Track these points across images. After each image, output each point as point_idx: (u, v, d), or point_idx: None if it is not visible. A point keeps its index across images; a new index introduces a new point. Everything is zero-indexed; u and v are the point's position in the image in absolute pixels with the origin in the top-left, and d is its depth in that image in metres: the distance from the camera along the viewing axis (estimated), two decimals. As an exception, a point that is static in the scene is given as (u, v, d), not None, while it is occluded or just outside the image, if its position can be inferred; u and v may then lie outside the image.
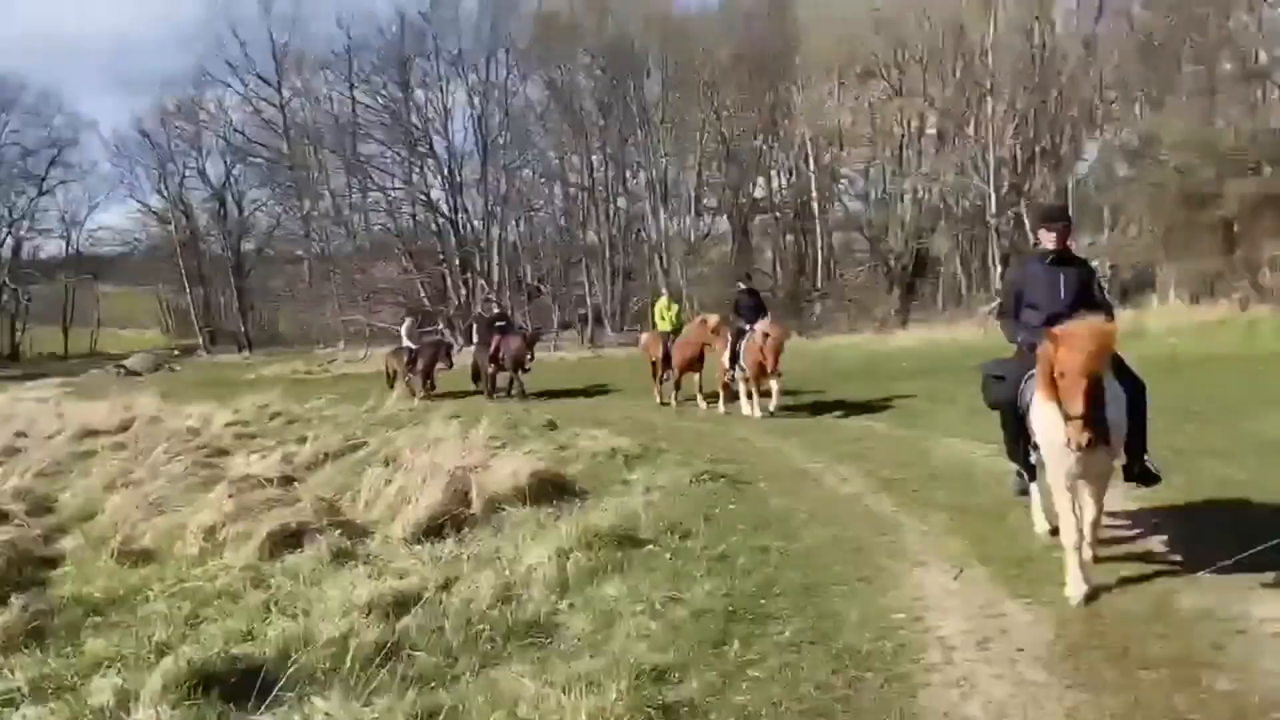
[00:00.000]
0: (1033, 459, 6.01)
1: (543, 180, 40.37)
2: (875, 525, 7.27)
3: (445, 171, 37.26)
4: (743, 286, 15.82)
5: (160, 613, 5.87)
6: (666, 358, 16.43)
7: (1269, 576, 5.23)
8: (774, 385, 14.04)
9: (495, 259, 37.53)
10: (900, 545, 6.69)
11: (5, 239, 51.36)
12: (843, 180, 40.22)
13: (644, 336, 17.92)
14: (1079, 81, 30.79)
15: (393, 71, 38.55)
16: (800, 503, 8.11)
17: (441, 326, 35.42)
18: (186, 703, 4.31)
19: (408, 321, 22.53)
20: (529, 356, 19.33)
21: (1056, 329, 5.12)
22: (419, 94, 37.71)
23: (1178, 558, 5.86)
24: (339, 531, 7.30)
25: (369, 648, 4.95)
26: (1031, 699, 4.23)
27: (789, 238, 41.03)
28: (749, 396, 14.28)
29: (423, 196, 38.36)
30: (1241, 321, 20.27)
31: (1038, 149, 31.49)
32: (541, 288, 39.76)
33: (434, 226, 38.65)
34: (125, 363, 42.40)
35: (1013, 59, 29.91)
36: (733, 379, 14.71)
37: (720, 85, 37.43)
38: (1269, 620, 4.75)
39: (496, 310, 22.62)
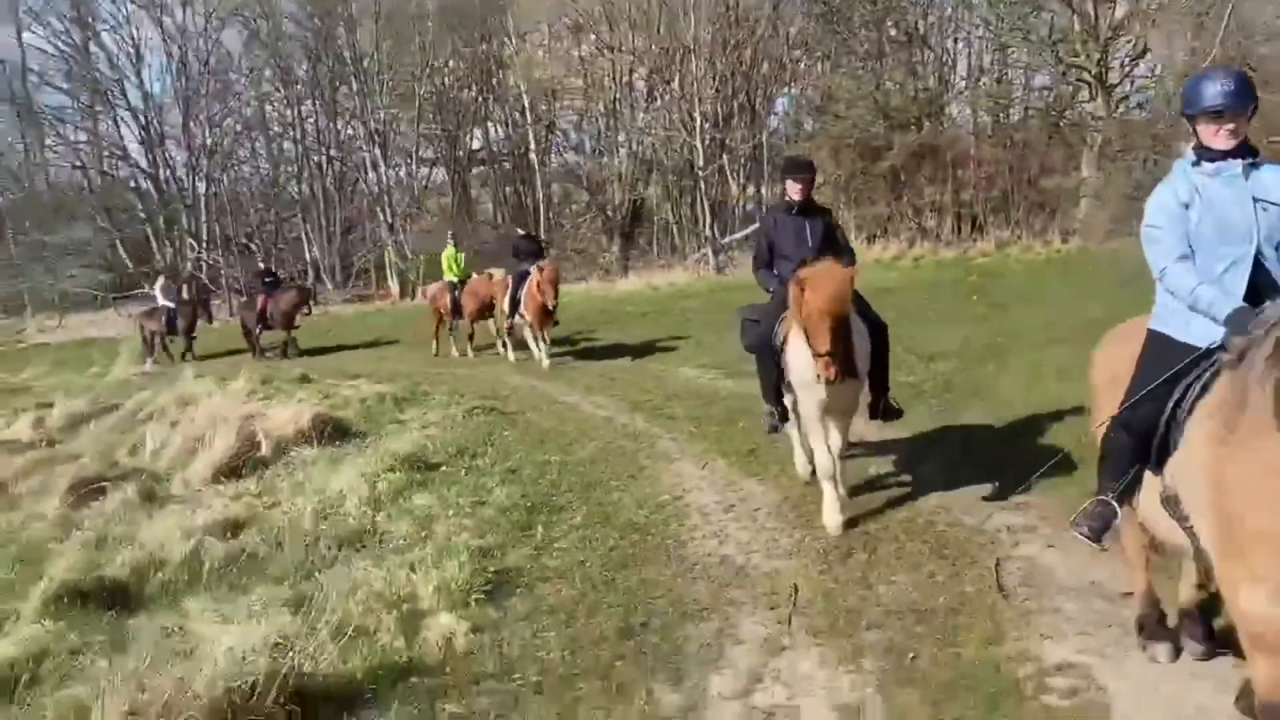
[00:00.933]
0: (786, 400, 6.20)
1: (250, 132, 38.60)
2: (633, 438, 8.58)
3: (143, 122, 34.71)
4: (521, 233, 16.11)
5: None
6: (456, 307, 16.54)
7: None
8: (543, 339, 13.90)
9: (203, 216, 35.62)
10: (656, 450, 8.04)
11: None
12: (558, 133, 41.50)
13: (432, 287, 17.92)
14: (769, 42, 33.65)
15: (68, 9, 35.22)
16: (566, 426, 9.30)
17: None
18: (69, 614, 4.83)
19: (161, 280, 21.57)
20: (305, 311, 19.01)
21: (802, 272, 5.48)
22: (106, 38, 34.78)
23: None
24: (142, 478, 7.63)
25: (219, 560, 5.62)
26: (769, 539, 5.67)
27: (508, 189, 41.89)
28: (536, 341, 14.17)
29: (118, 150, 35.57)
30: (907, 256, 23.61)
31: (736, 105, 34.15)
32: (252, 246, 38.07)
33: (133, 183, 35.97)
34: None
35: (711, 20, 32.15)
36: (511, 326, 14.85)
37: (432, 36, 37.35)
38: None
39: (263, 266, 22.08)
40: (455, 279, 16.69)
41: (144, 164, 35.16)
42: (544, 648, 4.41)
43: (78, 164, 36.43)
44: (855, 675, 3.96)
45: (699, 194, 32.74)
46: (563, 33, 38.41)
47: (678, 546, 5.65)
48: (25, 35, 35.79)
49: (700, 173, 31.26)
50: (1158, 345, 3.51)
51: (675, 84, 32.75)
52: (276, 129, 38.63)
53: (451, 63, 38.31)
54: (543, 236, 36.33)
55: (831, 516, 5.62)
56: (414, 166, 36.22)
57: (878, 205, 28.06)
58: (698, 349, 13.75)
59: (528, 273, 13.91)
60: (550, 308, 13.40)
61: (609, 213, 35.14)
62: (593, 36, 35.83)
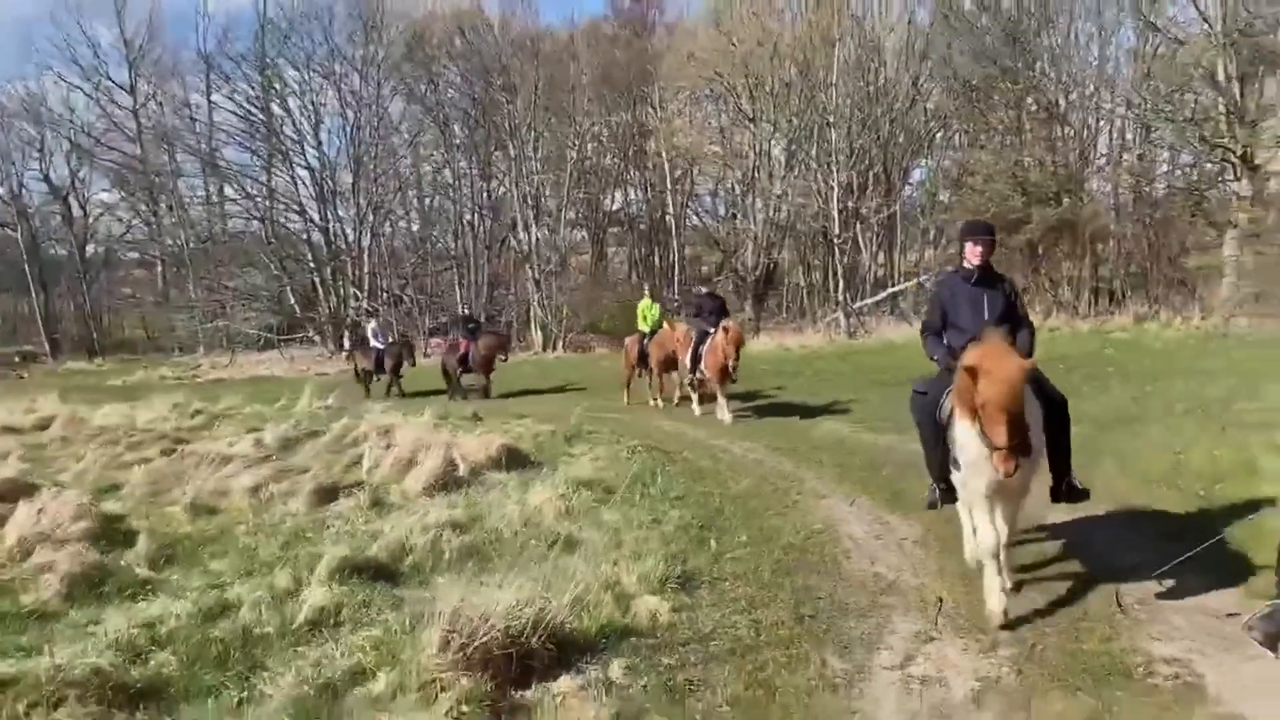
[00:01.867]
0: (953, 477, 5.83)
1: (409, 191, 41.53)
2: (783, 478, 9.58)
3: (317, 180, 37.94)
4: (704, 290, 16.28)
5: (258, 542, 7.53)
6: (643, 357, 16.90)
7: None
8: (722, 394, 14.10)
9: (365, 267, 38.44)
10: (805, 488, 9.03)
11: None
12: (696, 197, 43.12)
13: (628, 339, 18.01)
14: (907, 115, 34.57)
15: (254, 76, 38.79)
16: (720, 465, 10.36)
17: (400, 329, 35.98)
18: (349, 582, 6.12)
19: (373, 321, 23.02)
20: (502, 358, 19.94)
21: (972, 358, 5.12)
22: (291, 101, 38.27)
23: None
24: (366, 488, 9.04)
25: (455, 550, 6.87)
26: (916, 561, 6.59)
27: (642, 249, 43.70)
28: (714, 398, 14.43)
29: (294, 204, 38.81)
30: (1045, 329, 23.93)
31: (871, 174, 35.08)
32: (404, 297, 40.53)
33: (306, 235, 39.13)
34: (-35, 369, 40.79)
35: (851, 94, 33.29)
36: (694, 382, 15.18)
37: (583, 105, 39.60)
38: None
39: (467, 312, 23.36)
40: (647, 330, 16.98)
41: (316, 218, 38.27)
42: (732, 625, 5.45)
43: (255, 215, 39.80)
44: (992, 659, 4.88)
45: (832, 260, 33.66)
46: (705, 102, 40.24)
47: (834, 563, 6.63)
48: (214, 95, 39.71)
49: (835, 239, 32.16)
50: None
51: (813, 153, 33.92)
52: (431, 188, 41.49)
53: (596, 128, 40.53)
54: (675, 297, 37.90)
55: (995, 601, 5.34)
56: (561, 226, 38.18)
57: (1014, 277, 28.37)
58: (836, 405, 14.66)
59: (709, 331, 14.23)
60: (731, 368, 13.64)
61: (742, 275, 36.35)
62: (733, 107, 37.36)
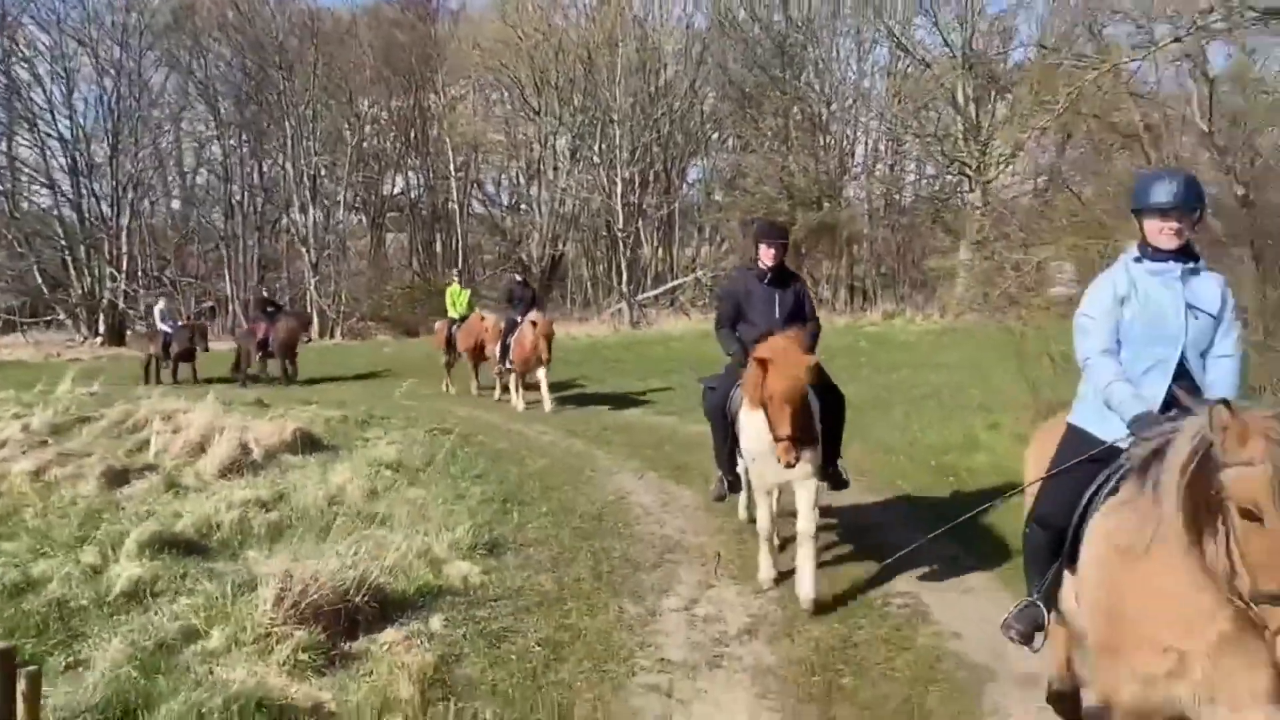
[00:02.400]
0: (739, 468, 6.36)
1: (173, 167, 39.32)
2: (576, 456, 10.26)
3: (70, 152, 35.10)
4: (519, 278, 15.63)
5: (49, 524, 7.39)
6: (450, 343, 16.65)
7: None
8: (542, 376, 13.79)
9: (124, 246, 36.02)
10: (598, 465, 9.74)
11: None
12: (479, 185, 43.15)
13: (438, 323, 17.78)
14: (685, 118, 36.15)
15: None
16: (517, 446, 10.90)
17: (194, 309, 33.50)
18: (160, 557, 6.23)
19: (161, 303, 21.22)
20: (305, 339, 19.24)
21: (762, 351, 5.47)
22: (40, 66, 35.19)
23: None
24: (159, 471, 8.96)
25: (263, 526, 7.07)
26: (697, 524, 7.41)
27: (423, 236, 43.31)
28: (516, 389, 14.31)
29: (42, 178, 35.79)
30: (806, 322, 25.90)
31: (652, 172, 36.46)
32: (163, 279, 38.23)
33: (56, 211, 36.17)
34: None
35: (633, 93, 34.42)
36: (501, 372, 14.89)
37: (364, 87, 38.82)
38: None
39: (265, 294, 21.85)
40: (457, 316, 16.70)
41: (68, 192, 35.48)
42: (537, 583, 6.04)
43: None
44: (760, 599, 5.72)
45: (615, 253, 34.75)
46: (489, 90, 40.36)
47: (626, 528, 7.35)
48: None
49: (618, 233, 33.24)
50: (1073, 439, 3.61)
51: (596, 148, 34.86)
52: (198, 165, 39.42)
53: (377, 110, 39.80)
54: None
55: (766, 572, 5.94)
56: (341, 210, 37.32)
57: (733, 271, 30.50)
58: (622, 391, 15.50)
59: (518, 320, 13.95)
60: (543, 359, 13.45)
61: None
62: (518, 98, 37.71)
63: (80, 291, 35.88)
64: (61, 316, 36.65)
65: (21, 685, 2.65)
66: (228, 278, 37.29)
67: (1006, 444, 9.44)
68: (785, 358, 5.34)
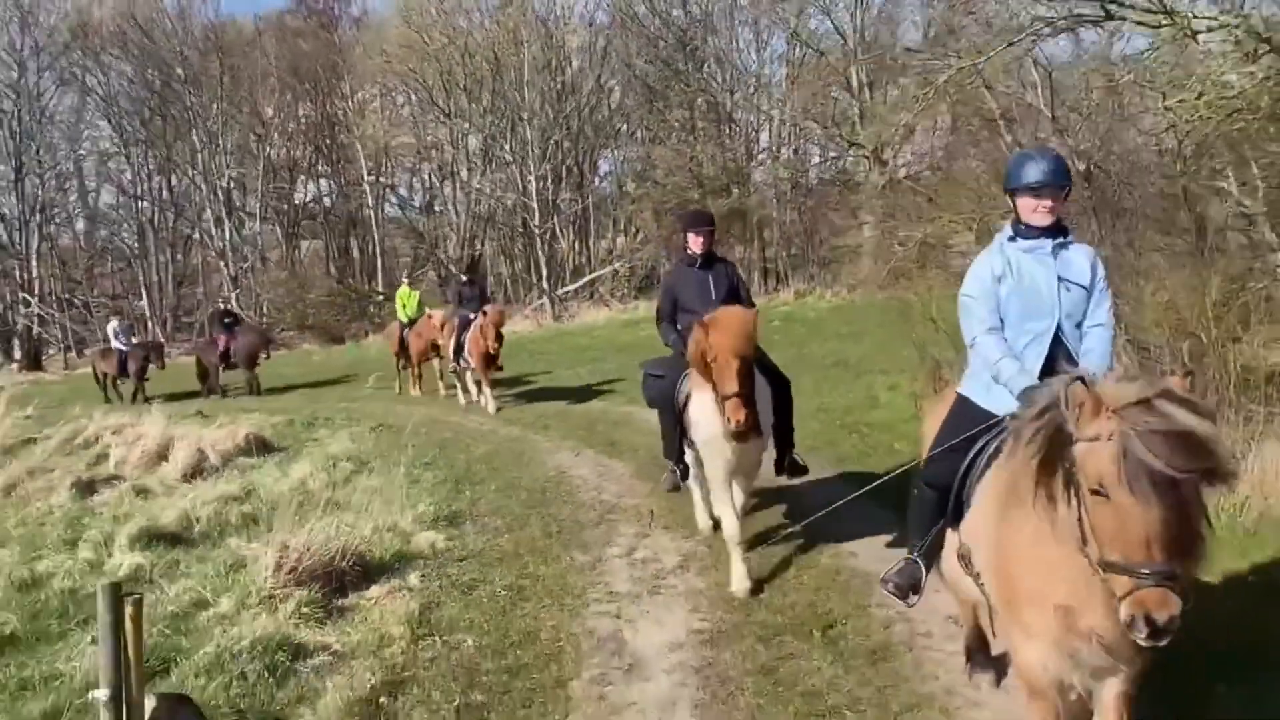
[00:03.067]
0: (688, 457, 6.36)
1: (82, 186, 38.82)
2: (516, 441, 11.10)
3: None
4: (465, 278, 15.61)
5: (33, 531, 7.99)
6: (404, 346, 16.72)
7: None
8: (486, 383, 13.86)
9: (34, 270, 35.56)
10: (538, 447, 10.60)
11: None
12: (392, 189, 43.37)
13: (391, 326, 17.82)
14: (593, 113, 36.96)
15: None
16: (459, 436, 11.69)
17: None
18: (150, 548, 6.93)
19: (114, 321, 21.10)
20: (264, 355, 19.40)
21: (706, 317, 5.54)
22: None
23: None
24: (125, 480, 9.55)
25: (238, 517, 7.78)
26: (632, 489, 8.33)
27: (338, 243, 43.39)
28: (477, 385, 14.32)
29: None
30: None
31: (565, 168, 37.21)
32: (75, 301, 37.63)
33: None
34: None
35: (541, 91, 35.09)
36: (458, 370, 14.84)
37: (269, 97, 38.81)
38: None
39: (223, 308, 22.21)
40: (407, 319, 16.73)
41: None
42: (496, 545, 6.90)
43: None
44: (690, 543, 6.66)
45: (533, 249, 35.43)
46: (397, 94, 40.63)
47: (569, 496, 8.24)
48: None
49: (535, 230, 33.94)
50: (961, 408, 3.83)
51: (508, 147, 35.46)
52: (99, 183, 38.97)
53: (283, 119, 39.78)
54: (380, 289, 38.20)
55: (739, 582, 5.59)
56: (258, 222, 37.30)
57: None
58: (550, 381, 16.37)
59: (471, 318, 13.95)
60: (493, 353, 13.51)
61: (447, 265, 37.29)
62: (426, 100, 38.05)
63: (-6, 318, 35.38)
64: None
65: (129, 609, 3.42)
66: (144, 295, 37.00)
67: (901, 401, 10.63)
68: (728, 315, 5.46)
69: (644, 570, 6.19)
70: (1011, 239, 3.70)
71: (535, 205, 33.61)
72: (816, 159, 34.90)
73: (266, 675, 4.58)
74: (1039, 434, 2.81)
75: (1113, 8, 6.82)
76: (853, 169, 30.57)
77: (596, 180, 39.87)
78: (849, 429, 10.10)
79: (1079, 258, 3.67)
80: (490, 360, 13.60)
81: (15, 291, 34.99)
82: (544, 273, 33.59)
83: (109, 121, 37.90)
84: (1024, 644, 3.00)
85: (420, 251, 40.95)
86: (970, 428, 3.63)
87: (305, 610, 5.35)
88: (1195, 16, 6.53)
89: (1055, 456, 2.75)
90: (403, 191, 44.02)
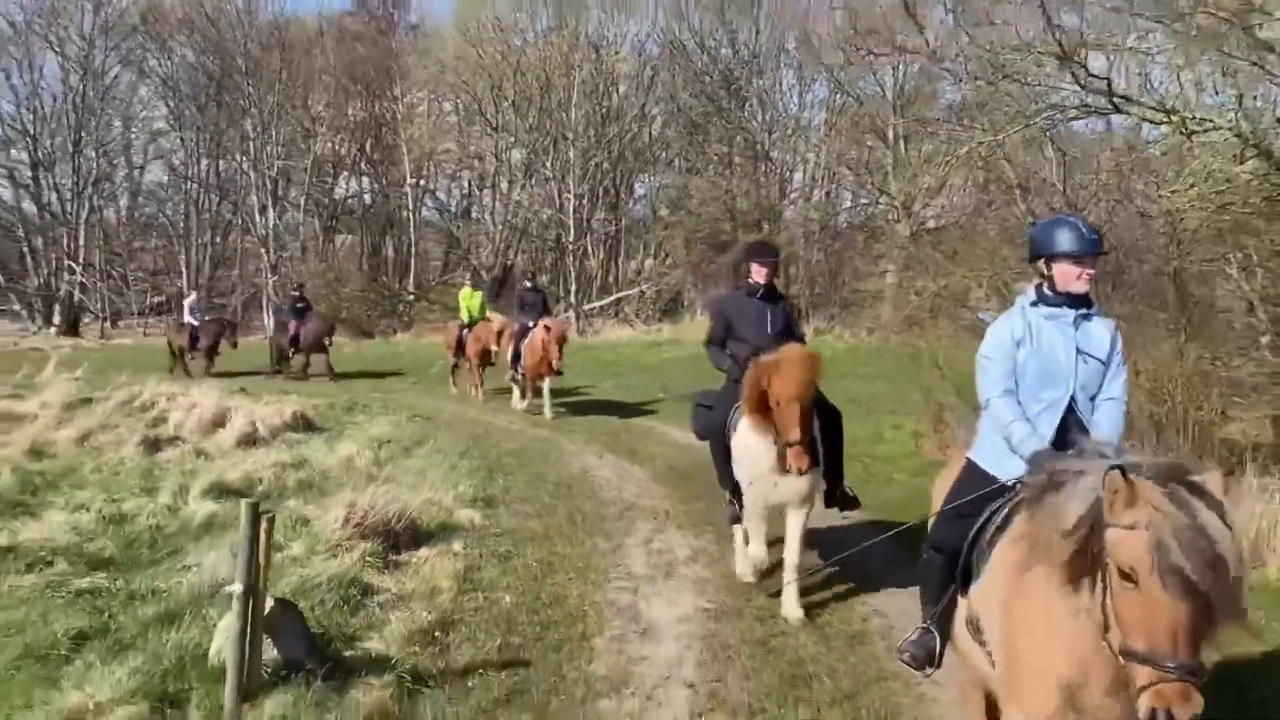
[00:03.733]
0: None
1: (137, 162, 40.08)
2: (543, 441, 11.95)
3: (32, 145, 35.78)
4: (528, 285, 15.85)
5: (108, 479, 8.88)
6: (460, 346, 16.86)
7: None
8: (546, 387, 14.12)
9: (81, 240, 36.76)
10: (563, 449, 11.45)
11: None
12: (431, 193, 44.50)
13: (450, 325, 18.04)
14: (634, 139, 38.03)
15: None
16: (490, 432, 12.56)
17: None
18: (220, 501, 7.80)
19: (191, 297, 22.17)
20: (328, 341, 19.84)
21: (765, 360, 5.45)
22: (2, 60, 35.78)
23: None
24: (184, 440, 10.47)
25: (295, 481, 8.65)
26: (649, 491, 9.16)
27: (372, 240, 44.49)
28: (523, 395, 14.71)
29: (8, 173, 36.35)
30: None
31: (601, 188, 38.24)
32: (113, 273, 38.63)
33: (15, 204, 36.74)
34: None
35: (587, 113, 36.19)
36: (512, 377, 15.03)
37: (325, 95, 40.03)
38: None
39: (296, 294, 22.54)
40: (467, 320, 16.81)
41: (29, 185, 36.11)
42: (527, 526, 7.74)
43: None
44: (700, 540, 7.48)
45: (564, 264, 36.42)
46: (445, 101, 41.82)
47: (592, 492, 9.09)
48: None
49: (568, 245, 34.94)
50: (970, 473, 3.79)
51: (549, 164, 36.52)
52: (145, 160, 40.20)
53: (334, 115, 40.98)
54: (410, 289, 39.22)
55: (791, 609, 5.68)
56: (301, 213, 38.42)
57: (721, 289, 32.50)
58: (577, 390, 17.22)
59: (530, 326, 14.16)
60: (553, 363, 13.68)
61: (480, 274, 38.33)
62: (475, 111, 39.20)
63: (37, 283, 36.50)
64: (17, 307, 37.06)
65: (263, 525, 4.26)
66: (182, 274, 38.08)
67: (904, 438, 11.46)
68: (791, 359, 5.40)
69: (659, 558, 7.02)
70: (1034, 304, 3.69)
71: (571, 222, 34.60)
72: (847, 203, 35.85)
73: (341, 604, 5.44)
74: (1079, 518, 2.77)
75: (1119, 102, 7.69)
76: (881, 216, 31.42)
77: (631, 203, 40.95)
78: (853, 459, 10.82)
79: (1100, 330, 3.67)
80: (543, 371, 13.85)
81: (61, 259, 36.14)
82: (572, 287, 34.52)
83: (165, 103, 39.20)
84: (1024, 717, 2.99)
85: (452, 256, 42.02)
86: (980, 490, 3.63)
87: (368, 559, 6.20)
88: (1191, 117, 7.36)
89: (1088, 538, 2.75)
90: (441, 196, 45.21)
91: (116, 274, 38.51)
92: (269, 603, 4.36)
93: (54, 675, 4.64)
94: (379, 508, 6.73)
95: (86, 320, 37.60)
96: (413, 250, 41.06)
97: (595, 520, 8.03)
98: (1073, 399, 3.61)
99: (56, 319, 36.05)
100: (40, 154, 36.01)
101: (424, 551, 6.71)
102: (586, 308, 34.49)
